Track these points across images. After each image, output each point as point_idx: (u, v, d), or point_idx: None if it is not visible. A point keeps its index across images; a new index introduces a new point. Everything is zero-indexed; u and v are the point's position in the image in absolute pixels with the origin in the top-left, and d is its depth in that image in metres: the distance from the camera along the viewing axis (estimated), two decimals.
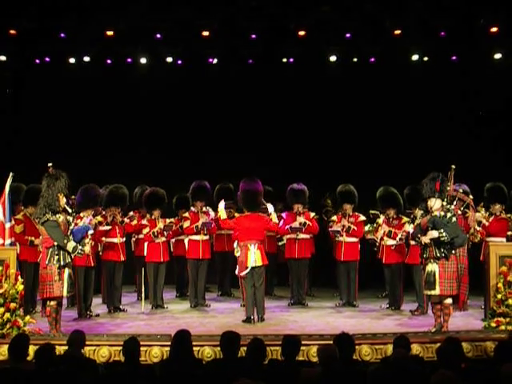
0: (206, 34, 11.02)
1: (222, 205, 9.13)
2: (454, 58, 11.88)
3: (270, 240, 10.50)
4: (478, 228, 9.18)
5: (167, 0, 10.45)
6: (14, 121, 12.31)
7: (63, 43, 11.15)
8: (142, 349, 5.78)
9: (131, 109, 12.38)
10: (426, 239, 7.65)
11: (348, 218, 10.06)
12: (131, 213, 10.36)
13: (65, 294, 7.59)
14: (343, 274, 10.15)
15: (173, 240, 10.54)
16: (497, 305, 7.70)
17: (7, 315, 7.27)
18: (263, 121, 12.49)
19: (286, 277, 10.68)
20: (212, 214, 10.11)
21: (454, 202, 8.32)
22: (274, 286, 11.17)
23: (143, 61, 11.85)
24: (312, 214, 10.25)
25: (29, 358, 5.68)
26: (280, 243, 10.84)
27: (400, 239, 9.50)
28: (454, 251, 7.68)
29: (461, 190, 8.84)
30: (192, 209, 10.18)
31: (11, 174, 8.42)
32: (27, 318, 7.54)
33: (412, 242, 8.98)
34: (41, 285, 7.58)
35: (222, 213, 9.06)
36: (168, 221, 10.01)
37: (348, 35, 11.21)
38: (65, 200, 7.67)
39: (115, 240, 9.61)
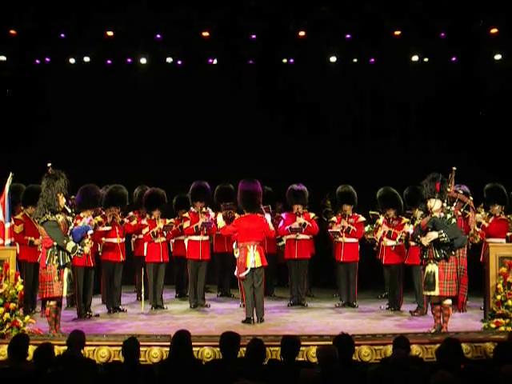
0: (205, 34, 11.03)
1: (220, 218, 9.18)
2: (453, 58, 11.88)
3: (270, 241, 10.47)
4: (478, 229, 9.17)
5: (167, 0, 10.45)
6: (13, 121, 12.30)
7: (63, 43, 11.16)
8: (141, 349, 5.77)
9: (131, 109, 12.36)
10: (426, 242, 7.65)
11: (348, 219, 10.05)
12: (131, 213, 10.35)
13: (64, 294, 7.59)
14: (343, 274, 10.14)
15: (172, 240, 10.54)
16: (496, 306, 7.69)
17: (7, 315, 7.26)
18: (263, 121, 12.47)
19: (286, 277, 10.70)
20: (212, 214, 10.10)
21: (454, 203, 8.31)
22: (273, 287, 11.18)
23: (143, 61, 11.86)
24: (312, 215, 10.25)
25: (28, 358, 5.67)
26: (280, 244, 10.84)
27: (400, 240, 9.49)
28: (453, 252, 7.68)
29: (461, 191, 8.82)
30: (192, 209, 10.17)
31: (11, 174, 8.41)
32: (27, 318, 7.54)
33: (412, 243, 8.97)
34: (40, 285, 7.57)
35: (221, 223, 9.11)
36: (168, 221, 10.01)
37: (348, 36, 11.20)
38: (64, 200, 7.66)
39: (115, 240, 9.61)
